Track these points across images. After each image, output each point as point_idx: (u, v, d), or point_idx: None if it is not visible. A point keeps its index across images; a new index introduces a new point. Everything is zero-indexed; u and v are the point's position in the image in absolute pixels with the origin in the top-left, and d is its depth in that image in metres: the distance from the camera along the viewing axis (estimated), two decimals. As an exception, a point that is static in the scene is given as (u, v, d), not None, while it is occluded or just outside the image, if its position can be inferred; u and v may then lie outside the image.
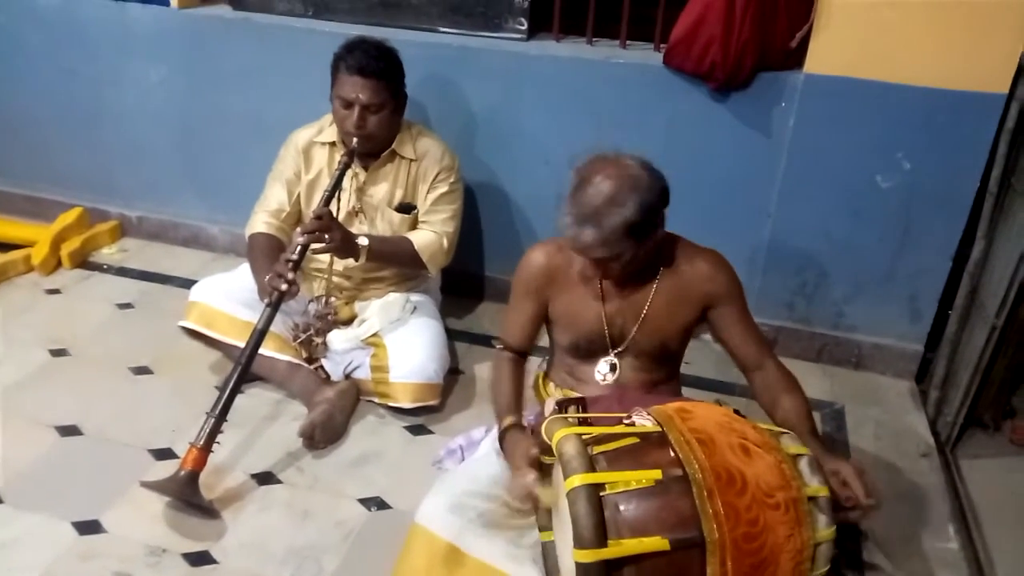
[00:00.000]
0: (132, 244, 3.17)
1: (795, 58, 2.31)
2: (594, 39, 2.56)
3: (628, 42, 2.53)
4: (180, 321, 2.31)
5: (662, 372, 1.84)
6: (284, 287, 2.03)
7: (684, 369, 1.95)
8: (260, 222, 2.36)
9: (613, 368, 1.79)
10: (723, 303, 1.76)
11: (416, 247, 2.32)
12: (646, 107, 2.46)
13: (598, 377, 1.80)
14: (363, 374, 2.28)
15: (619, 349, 1.78)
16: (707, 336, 2.70)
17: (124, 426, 2.19)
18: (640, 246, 1.61)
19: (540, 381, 1.94)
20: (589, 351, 1.80)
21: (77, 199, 3.18)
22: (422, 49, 2.54)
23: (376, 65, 2.17)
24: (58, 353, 2.49)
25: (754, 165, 2.45)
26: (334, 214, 2.17)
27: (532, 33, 2.58)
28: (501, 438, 1.73)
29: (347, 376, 2.31)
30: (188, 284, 2.43)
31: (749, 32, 2.22)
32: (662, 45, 2.42)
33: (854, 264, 2.49)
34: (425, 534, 1.60)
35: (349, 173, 2.26)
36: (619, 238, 1.57)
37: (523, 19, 2.54)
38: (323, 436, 2.13)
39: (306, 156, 2.36)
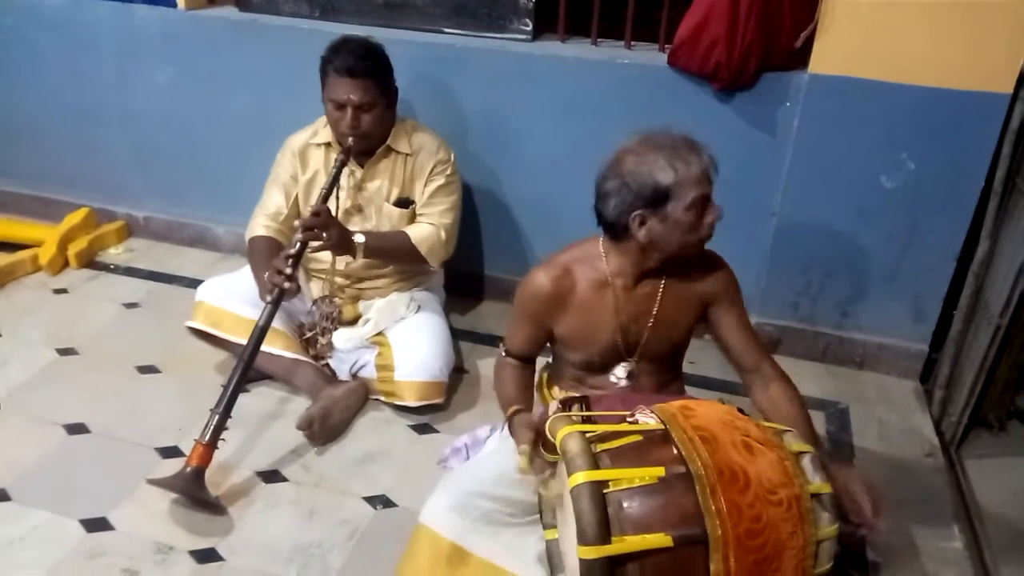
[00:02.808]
0: (139, 244, 3.19)
1: (799, 58, 2.32)
2: (599, 40, 2.56)
3: (633, 43, 2.54)
4: (187, 322, 2.33)
5: (671, 373, 1.85)
6: (286, 285, 2.04)
7: (689, 369, 1.96)
8: (259, 226, 2.38)
9: (631, 375, 1.77)
10: (722, 302, 1.76)
11: (413, 240, 2.32)
12: (651, 108, 2.45)
13: (613, 380, 1.78)
14: (368, 373, 2.29)
15: (634, 355, 1.76)
16: (709, 336, 2.71)
17: (131, 424, 2.20)
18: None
19: (544, 383, 1.94)
20: (603, 365, 1.79)
21: (84, 199, 3.20)
22: (427, 50, 2.56)
23: (364, 65, 2.18)
24: (65, 352, 2.50)
25: (758, 165, 2.45)
26: (332, 211, 2.18)
27: (537, 34, 2.59)
28: (508, 423, 1.72)
29: (354, 376, 2.32)
30: (194, 284, 2.44)
31: (753, 32, 2.22)
32: (667, 46, 2.42)
33: (858, 264, 2.49)
34: (429, 534, 1.61)
35: (346, 171, 2.27)
36: (713, 170, 1.61)
37: (528, 20, 2.55)
38: (321, 430, 2.14)
39: (302, 158, 2.37)
